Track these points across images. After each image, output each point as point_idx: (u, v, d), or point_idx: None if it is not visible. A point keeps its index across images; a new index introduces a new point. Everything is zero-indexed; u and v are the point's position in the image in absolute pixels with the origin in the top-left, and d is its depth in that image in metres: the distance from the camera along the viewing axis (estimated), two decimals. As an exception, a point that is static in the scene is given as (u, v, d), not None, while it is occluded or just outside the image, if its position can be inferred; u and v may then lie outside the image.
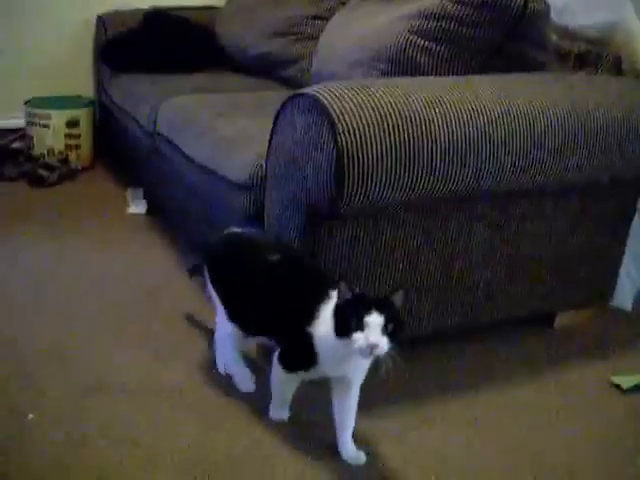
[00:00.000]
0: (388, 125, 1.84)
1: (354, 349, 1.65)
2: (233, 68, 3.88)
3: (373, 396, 1.97)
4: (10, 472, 1.76)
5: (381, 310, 1.64)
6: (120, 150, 3.91)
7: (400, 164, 1.86)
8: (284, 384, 1.94)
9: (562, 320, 2.57)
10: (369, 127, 1.82)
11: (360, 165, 1.81)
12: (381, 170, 1.84)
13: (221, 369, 2.17)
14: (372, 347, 1.63)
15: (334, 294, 1.74)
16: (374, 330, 1.63)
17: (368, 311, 1.64)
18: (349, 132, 1.80)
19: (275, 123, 2.02)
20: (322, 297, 1.78)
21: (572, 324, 2.58)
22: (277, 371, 1.91)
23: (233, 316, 2.02)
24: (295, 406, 2.00)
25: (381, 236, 2.04)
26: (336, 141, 1.80)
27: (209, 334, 2.29)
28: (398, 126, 1.85)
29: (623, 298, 2.75)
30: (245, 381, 2.11)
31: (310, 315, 1.78)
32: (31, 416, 1.94)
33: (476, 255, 2.20)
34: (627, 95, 2.30)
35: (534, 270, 2.34)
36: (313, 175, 1.87)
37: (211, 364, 2.19)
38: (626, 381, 2.27)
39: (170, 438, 1.90)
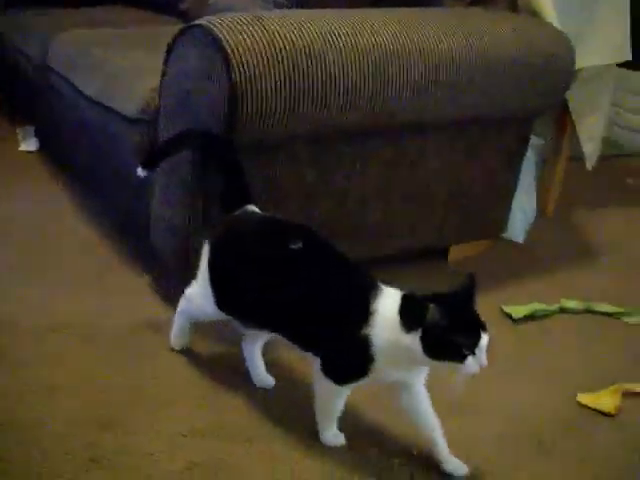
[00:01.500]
0: (282, 58, 1.83)
1: (463, 372, 1.53)
2: (127, 1, 3.78)
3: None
4: None
5: (482, 324, 1.56)
6: (10, 87, 3.78)
7: (294, 97, 1.85)
8: (336, 400, 1.70)
9: (456, 252, 2.62)
10: (263, 60, 1.80)
11: (253, 98, 1.79)
12: (275, 103, 1.83)
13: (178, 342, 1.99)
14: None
15: (383, 286, 1.64)
16: (484, 350, 1.54)
17: (478, 334, 1.54)
18: (243, 65, 1.78)
19: (167, 56, 1.99)
20: (370, 291, 1.62)
21: (466, 256, 2.64)
22: (326, 387, 1.68)
23: (228, 305, 1.80)
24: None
25: (276, 171, 2.03)
26: (229, 74, 1.78)
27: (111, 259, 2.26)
28: (292, 59, 1.84)
29: (516, 231, 2.82)
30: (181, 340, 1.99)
31: (362, 314, 1.59)
32: None
33: (371, 190, 2.22)
34: (522, 32, 2.33)
35: (429, 204, 2.38)
36: (207, 108, 1.85)
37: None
38: (516, 311, 2.35)
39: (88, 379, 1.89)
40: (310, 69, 1.86)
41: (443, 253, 2.62)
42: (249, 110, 1.80)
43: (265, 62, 1.80)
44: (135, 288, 2.25)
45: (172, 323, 1.96)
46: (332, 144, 2.09)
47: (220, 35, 1.80)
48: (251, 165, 1.97)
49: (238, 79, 1.77)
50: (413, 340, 1.53)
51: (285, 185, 2.06)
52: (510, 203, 2.64)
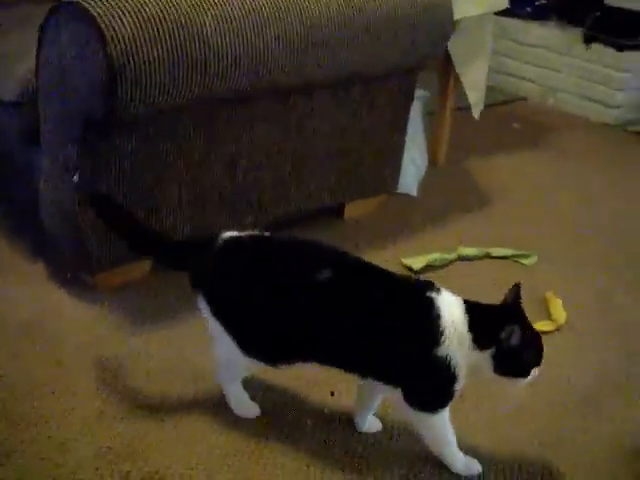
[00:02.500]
0: (158, 30, 1.79)
1: (523, 383, 1.53)
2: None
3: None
4: None
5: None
6: None
7: (173, 68, 1.82)
8: (444, 427, 1.57)
9: (351, 210, 2.64)
10: (139, 33, 1.76)
11: (132, 72, 1.76)
12: (154, 76, 1.80)
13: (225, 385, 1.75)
14: None
15: (439, 294, 1.54)
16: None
17: (542, 348, 1.54)
18: (118, 39, 1.74)
19: (41, 36, 1.93)
20: (431, 305, 1.51)
21: (361, 213, 2.66)
22: (426, 420, 1.56)
23: (258, 348, 1.62)
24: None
25: (163, 144, 2.01)
26: (105, 50, 1.74)
27: None
28: (168, 30, 1.81)
29: (409, 184, 2.85)
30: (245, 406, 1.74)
31: (432, 334, 1.48)
32: None
33: (261, 154, 2.21)
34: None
35: (319, 164, 2.38)
36: (85, 86, 1.81)
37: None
38: (416, 262, 2.38)
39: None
40: (188, 39, 1.83)
41: (339, 211, 2.62)
42: (128, 85, 1.77)
43: (141, 35, 1.77)
44: (34, 277, 2.19)
45: (227, 398, 1.74)
46: (217, 111, 2.07)
47: (93, 11, 1.75)
48: (136, 140, 1.94)
49: (114, 54, 1.73)
50: (485, 357, 1.50)
51: (173, 157, 2.03)
52: (400, 157, 2.67)
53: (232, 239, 1.62)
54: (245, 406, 1.72)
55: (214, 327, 1.62)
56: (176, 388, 1.80)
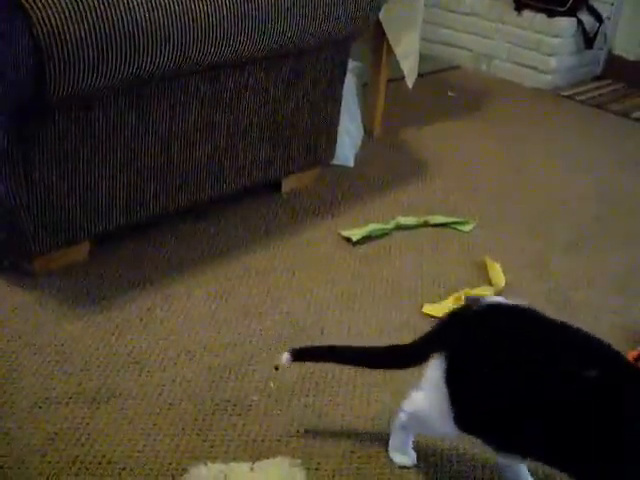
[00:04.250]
0: (85, 8, 1.76)
1: None
2: None
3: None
4: None
5: None
6: None
7: (102, 47, 1.79)
8: None
9: (288, 184, 2.64)
10: (64, 12, 1.73)
11: (60, 53, 1.73)
12: (83, 56, 1.77)
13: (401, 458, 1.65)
14: None
15: None
16: None
17: None
18: (44, 21, 1.71)
19: (-37, 20, 1.89)
20: None
21: (299, 187, 2.66)
22: None
23: (476, 427, 1.49)
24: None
25: (96, 125, 1.98)
26: (31, 32, 1.70)
27: None
28: (95, 8, 1.78)
29: (345, 156, 2.86)
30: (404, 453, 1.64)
31: None
32: None
33: (194, 132, 2.20)
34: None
35: (254, 140, 2.37)
36: (12, 70, 1.77)
37: None
38: (354, 233, 2.39)
39: None
40: (116, 16, 1.81)
41: (276, 186, 2.62)
42: (57, 66, 1.74)
43: (68, 14, 1.73)
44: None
45: (392, 439, 1.66)
46: (149, 89, 2.05)
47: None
48: (68, 122, 1.92)
49: (41, 38, 1.70)
50: None
51: (106, 137, 2.01)
52: (336, 129, 2.67)
53: (495, 307, 1.51)
54: (403, 453, 1.64)
55: (434, 391, 1.50)
56: (117, 372, 1.80)
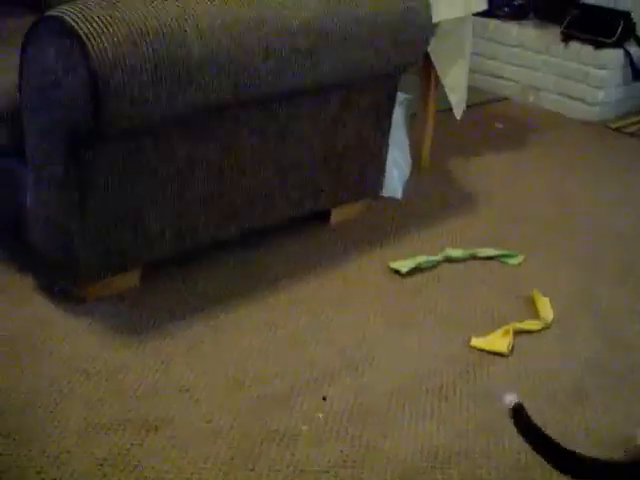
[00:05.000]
0: (141, 41, 1.80)
1: None
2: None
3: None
4: None
5: None
6: None
7: (157, 79, 1.83)
8: None
9: (337, 215, 2.64)
10: (121, 44, 1.77)
11: (115, 86, 1.76)
12: (138, 87, 1.80)
13: None
14: None
15: None
16: None
17: None
18: (101, 52, 1.74)
19: (23, 50, 1.93)
20: None
21: (347, 218, 2.67)
22: None
23: None
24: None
25: (147, 154, 2.01)
26: (88, 62, 1.74)
27: None
28: (151, 41, 1.81)
29: (393, 187, 2.86)
30: None
31: None
32: None
33: (245, 162, 2.22)
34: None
35: (303, 170, 2.39)
36: (69, 101, 1.81)
37: None
38: (403, 265, 2.39)
39: None
40: (169, 50, 1.84)
41: (324, 216, 2.63)
42: (112, 98, 1.77)
43: (123, 48, 1.77)
44: (20, 291, 2.18)
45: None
46: (201, 120, 2.07)
47: (75, 25, 1.76)
48: (121, 153, 1.95)
49: (97, 68, 1.74)
50: None
51: (158, 166, 2.04)
52: (384, 161, 2.68)
53: None
54: None
55: None
56: (166, 400, 1.80)
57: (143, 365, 1.91)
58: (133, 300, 2.15)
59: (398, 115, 2.78)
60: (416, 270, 2.40)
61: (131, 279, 2.18)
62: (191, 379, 1.87)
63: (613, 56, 3.98)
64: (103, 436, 1.68)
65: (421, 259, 2.43)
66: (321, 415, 1.78)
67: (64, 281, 2.13)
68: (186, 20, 1.89)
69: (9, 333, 2.01)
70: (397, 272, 2.38)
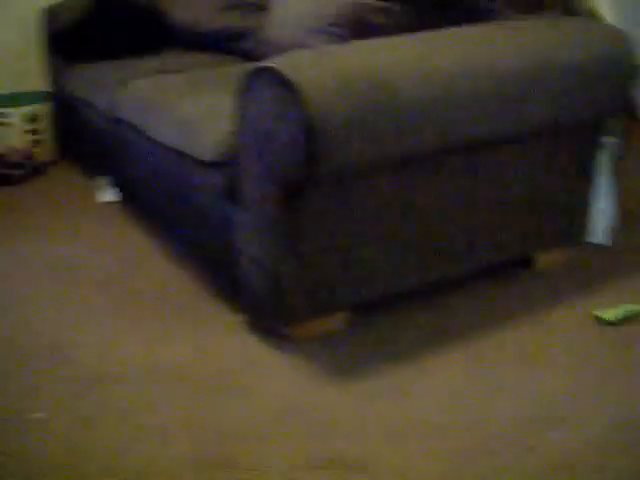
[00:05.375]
0: (352, 90, 1.85)
1: None
2: (186, 46, 3.86)
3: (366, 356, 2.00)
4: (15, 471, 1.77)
5: None
6: (83, 140, 3.88)
7: (367, 127, 1.87)
8: None
9: (540, 261, 2.60)
10: (333, 94, 1.83)
11: (328, 132, 1.82)
12: (349, 135, 1.85)
13: None
14: None
15: None
16: None
17: None
18: (315, 102, 1.81)
19: (239, 99, 2.03)
20: None
21: (551, 264, 2.62)
22: None
23: None
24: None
25: (356, 199, 2.06)
26: (301, 111, 1.81)
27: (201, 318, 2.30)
28: (362, 90, 1.86)
29: (600, 233, 2.79)
30: None
31: None
32: (39, 415, 1.95)
33: (451, 206, 2.23)
34: (582, 35, 2.32)
35: (509, 215, 2.37)
36: (283, 147, 1.88)
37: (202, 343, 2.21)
38: (610, 314, 2.32)
39: (177, 419, 1.91)
40: (380, 98, 1.88)
41: (527, 262, 2.60)
42: (326, 145, 1.83)
43: (336, 97, 1.83)
44: (231, 327, 2.28)
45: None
46: (409, 167, 2.10)
47: (290, 75, 1.83)
48: (332, 199, 2.00)
49: (311, 116, 1.80)
50: None
51: (366, 211, 2.08)
52: (590, 206, 2.62)
53: None
54: None
55: None
56: (370, 441, 1.82)
57: (346, 405, 1.94)
58: (339, 341, 2.19)
59: (604, 160, 2.72)
60: (623, 320, 2.32)
61: (338, 320, 2.22)
62: (396, 421, 1.88)
63: None
64: (307, 476, 1.71)
65: (629, 308, 2.35)
66: (526, 465, 1.75)
67: (272, 320, 2.19)
68: (396, 69, 1.92)
69: (216, 368, 2.09)
70: (602, 321, 2.31)
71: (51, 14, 4.12)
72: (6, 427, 1.90)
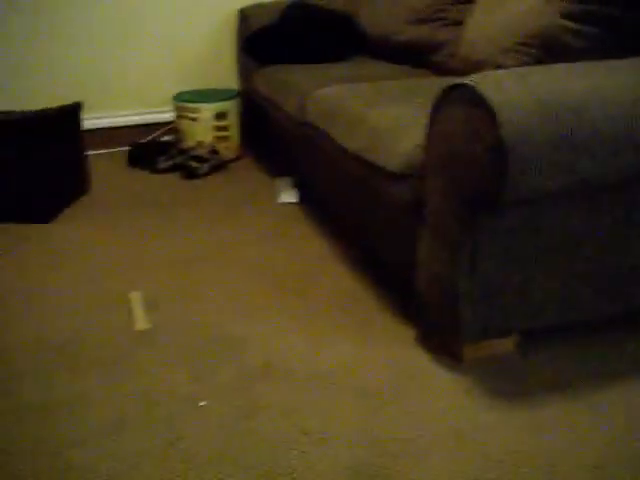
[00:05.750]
0: (548, 115, 1.83)
1: None
2: (375, 55, 3.91)
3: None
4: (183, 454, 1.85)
5: None
6: (267, 140, 4.00)
7: (560, 153, 1.84)
8: None
9: None
10: (530, 117, 1.81)
11: (520, 156, 1.80)
12: (541, 160, 1.83)
13: None
14: None
15: None
16: None
17: None
18: (509, 123, 1.80)
19: (433, 113, 2.04)
20: None
21: None
22: None
23: None
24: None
25: (540, 224, 2.03)
26: (497, 133, 1.80)
27: (372, 319, 2.33)
28: (557, 115, 1.84)
29: None
30: None
31: None
32: (203, 403, 2.02)
33: (633, 239, 2.16)
34: None
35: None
36: (474, 165, 1.88)
37: (371, 344, 2.24)
38: None
39: (337, 426, 1.94)
40: (575, 123, 1.85)
41: None
42: (516, 169, 1.81)
43: (531, 119, 1.81)
44: (399, 339, 2.29)
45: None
46: (596, 193, 2.06)
47: (487, 95, 1.83)
48: (515, 219, 1.98)
49: (505, 138, 1.79)
50: None
51: (549, 237, 2.05)
52: None
53: None
54: None
55: None
56: (527, 469, 1.79)
57: (507, 430, 1.91)
58: (508, 365, 2.16)
59: None
60: None
61: (508, 344, 2.20)
62: (558, 453, 1.84)
63: None
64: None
65: None
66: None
67: (444, 337, 2.19)
68: (594, 95, 1.89)
69: (381, 378, 2.11)
70: None
71: (244, 16, 4.26)
72: (179, 411, 1.99)
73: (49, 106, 4.18)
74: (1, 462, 1.82)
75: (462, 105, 1.91)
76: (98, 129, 4.32)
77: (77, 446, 1.86)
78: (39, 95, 4.19)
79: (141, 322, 2.40)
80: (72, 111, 3.63)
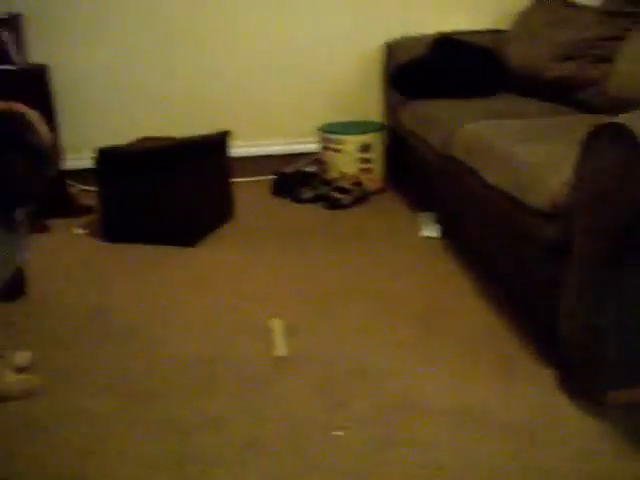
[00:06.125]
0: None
1: None
2: (520, 91, 3.87)
3: None
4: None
5: None
6: (410, 173, 4.01)
7: None
8: None
9: None
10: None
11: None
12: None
13: None
14: None
15: None
16: None
17: None
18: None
19: (582, 151, 2.00)
20: None
21: None
22: None
23: None
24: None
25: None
26: None
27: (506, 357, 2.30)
28: None
29: None
30: None
31: None
32: (339, 432, 2.03)
33: None
34: None
35: None
36: (625, 208, 1.83)
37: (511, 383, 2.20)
38: None
39: (474, 464, 1.92)
40: None
41: None
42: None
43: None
44: (538, 379, 2.24)
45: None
46: None
47: (637, 133, 1.79)
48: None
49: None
50: None
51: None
52: None
53: None
54: None
55: None
56: None
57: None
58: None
59: None
60: None
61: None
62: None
63: None
64: None
65: None
66: None
67: (585, 381, 2.14)
68: None
69: (521, 419, 2.07)
70: None
71: (390, 50, 4.29)
72: (314, 438, 2.01)
73: (199, 133, 4.32)
74: (148, 476, 1.88)
75: (612, 144, 1.87)
76: (244, 157, 4.43)
77: (220, 466, 1.91)
78: (194, 123, 4.33)
79: (280, 349, 2.43)
80: (221, 139, 3.74)
